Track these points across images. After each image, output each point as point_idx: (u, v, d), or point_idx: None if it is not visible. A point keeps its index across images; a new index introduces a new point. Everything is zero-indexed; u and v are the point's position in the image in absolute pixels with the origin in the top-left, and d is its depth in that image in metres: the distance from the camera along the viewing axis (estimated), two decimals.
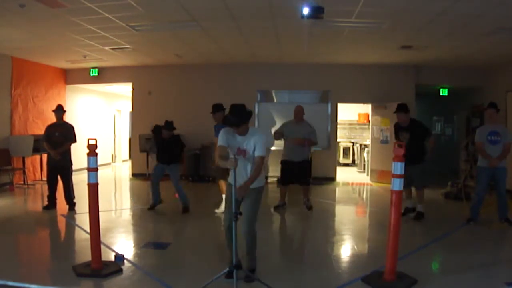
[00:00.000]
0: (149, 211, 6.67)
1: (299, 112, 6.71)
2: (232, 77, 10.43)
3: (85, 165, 3.97)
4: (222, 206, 6.05)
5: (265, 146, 3.60)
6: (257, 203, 3.73)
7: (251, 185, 3.55)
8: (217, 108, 6.10)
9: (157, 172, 6.73)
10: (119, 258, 4.17)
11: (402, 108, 6.16)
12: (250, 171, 3.62)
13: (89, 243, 3.93)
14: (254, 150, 3.56)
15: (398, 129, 6.24)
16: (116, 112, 14.55)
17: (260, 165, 3.57)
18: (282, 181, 6.95)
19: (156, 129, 6.77)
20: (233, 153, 3.55)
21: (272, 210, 6.83)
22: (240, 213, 3.57)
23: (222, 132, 3.68)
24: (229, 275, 3.45)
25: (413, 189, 6.34)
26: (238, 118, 3.54)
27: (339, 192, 9.32)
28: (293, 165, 6.67)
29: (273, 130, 7.37)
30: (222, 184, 6.31)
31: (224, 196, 6.38)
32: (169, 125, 6.61)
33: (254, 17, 6.20)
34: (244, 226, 3.65)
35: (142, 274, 3.90)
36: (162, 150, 6.71)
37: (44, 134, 6.71)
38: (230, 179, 3.63)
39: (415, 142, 5.87)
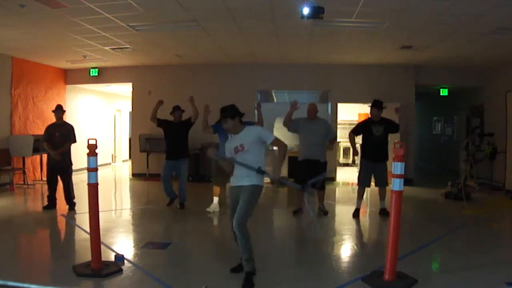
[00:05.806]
0: (149, 211, 6.67)
1: (312, 110, 6.45)
2: (232, 77, 10.42)
3: (85, 165, 3.97)
4: (212, 206, 6.58)
5: (268, 132, 3.79)
6: (253, 201, 3.62)
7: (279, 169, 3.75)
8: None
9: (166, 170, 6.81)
10: (119, 258, 4.16)
11: (376, 104, 6.34)
12: (251, 163, 3.58)
13: (89, 243, 3.93)
14: (254, 143, 3.64)
15: (370, 123, 6.36)
16: (116, 112, 14.55)
17: (282, 143, 3.69)
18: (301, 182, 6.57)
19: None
20: (231, 155, 3.68)
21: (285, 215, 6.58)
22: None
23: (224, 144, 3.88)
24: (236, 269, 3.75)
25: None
26: (230, 111, 3.72)
27: (339, 192, 9.31)
28: (314, 164, 6.27)
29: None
30: (216, 189, 6.59)
31: (215, 198, 6.57)
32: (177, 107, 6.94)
33: (254, 17, 6.20)
34: (234, 221, 3.56)
35: (142, 274, 3.89)
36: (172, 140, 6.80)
37: (44, 134, 6.70)
38: (232, 182, 3.75)
39: (384, 140, 6.22)
